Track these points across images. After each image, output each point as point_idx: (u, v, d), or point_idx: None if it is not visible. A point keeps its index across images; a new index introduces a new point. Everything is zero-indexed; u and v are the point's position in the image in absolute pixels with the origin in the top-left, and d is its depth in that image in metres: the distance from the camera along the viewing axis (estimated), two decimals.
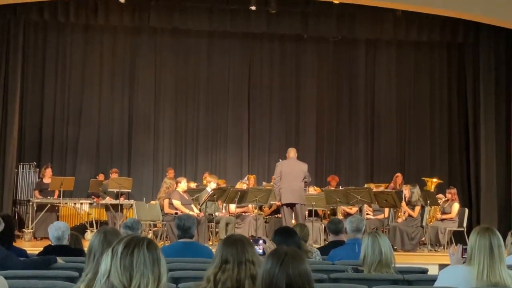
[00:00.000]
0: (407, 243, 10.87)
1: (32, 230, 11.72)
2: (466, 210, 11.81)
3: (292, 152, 11.02)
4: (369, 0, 11.64)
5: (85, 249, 3.93)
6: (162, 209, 11.03)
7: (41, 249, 5.49)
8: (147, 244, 2.14)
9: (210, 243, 10.67)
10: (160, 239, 11.07)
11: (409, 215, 11.03)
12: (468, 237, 3.96)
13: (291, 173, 10.70)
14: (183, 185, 11.10)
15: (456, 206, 11.52)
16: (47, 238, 6.25)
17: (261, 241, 4.20)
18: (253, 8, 13.11)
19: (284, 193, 10.64)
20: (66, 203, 12.28)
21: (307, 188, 12.11)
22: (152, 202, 12.10)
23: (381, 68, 15.06)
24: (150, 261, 2.11)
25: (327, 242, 7.88)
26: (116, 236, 3.26)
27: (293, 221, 10.30)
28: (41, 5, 12.73)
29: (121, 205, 12.19)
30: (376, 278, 4.37)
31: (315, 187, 12.44)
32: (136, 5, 13.31)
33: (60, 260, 4.92)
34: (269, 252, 2.57)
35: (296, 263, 2.45)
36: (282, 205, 10.71)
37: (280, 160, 11.40)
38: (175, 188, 11.07)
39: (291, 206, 10.68)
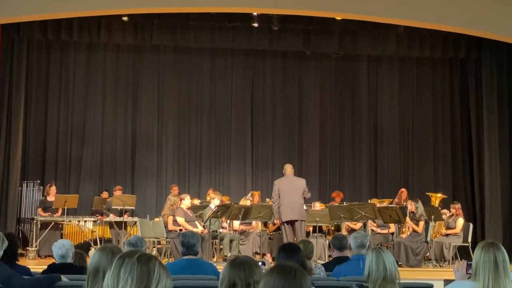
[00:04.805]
0: (412, 258, 10.83)
1: (36, 248, 11.70)
2: (471, 225, 11.77)
3: (288, 169, 10.92)
4: (371, 16, 11.66)
5: None
6: (166, 226, 11.02)
7: (45, 267, 5.49)
8: (138, 256, 2.21)
9: (214, 260, 10.65)
10: (164, 256, 11.05)
11: (414, 231, 11.01)
12: (473, 252, 3.94)
13: (289, 190, 10.60)
14: (187, 202, 11.11)
15: (460, 221, 11.49)
16: (51, 256, 6.26)
17: (260, 263, 4.15)
18: (256, 25, 13.18)
19: (283, 210, 10.52)
20: (70, 221, 12.26)
21: (313, 204, 12.09)
22: (156, 219, 12.09)
23: (383, 84, 15.09)
24: (138, 270, 2.17)
25: (331, 258, 7.86)
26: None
27: (294, 239, 10.24)
28: (45, 24, 12.80)
29: (125, 222, 12.19)
30: None
31: (320, 203, 12.41)
32: (139, 24, 13.37)
33: (64, 278, 4.91)
34: (274, 268, 2.52)
35: (305, 277, 2.44)
36: (283, 223, 10.60)
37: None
38: (179, 205, 11.06)
39: (291, 223, 10.56)
